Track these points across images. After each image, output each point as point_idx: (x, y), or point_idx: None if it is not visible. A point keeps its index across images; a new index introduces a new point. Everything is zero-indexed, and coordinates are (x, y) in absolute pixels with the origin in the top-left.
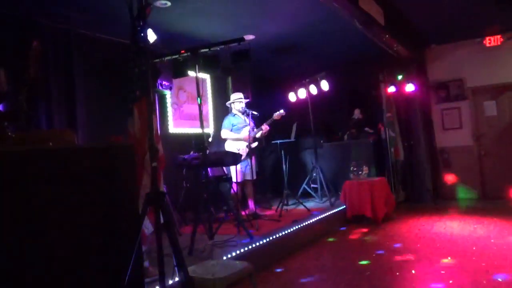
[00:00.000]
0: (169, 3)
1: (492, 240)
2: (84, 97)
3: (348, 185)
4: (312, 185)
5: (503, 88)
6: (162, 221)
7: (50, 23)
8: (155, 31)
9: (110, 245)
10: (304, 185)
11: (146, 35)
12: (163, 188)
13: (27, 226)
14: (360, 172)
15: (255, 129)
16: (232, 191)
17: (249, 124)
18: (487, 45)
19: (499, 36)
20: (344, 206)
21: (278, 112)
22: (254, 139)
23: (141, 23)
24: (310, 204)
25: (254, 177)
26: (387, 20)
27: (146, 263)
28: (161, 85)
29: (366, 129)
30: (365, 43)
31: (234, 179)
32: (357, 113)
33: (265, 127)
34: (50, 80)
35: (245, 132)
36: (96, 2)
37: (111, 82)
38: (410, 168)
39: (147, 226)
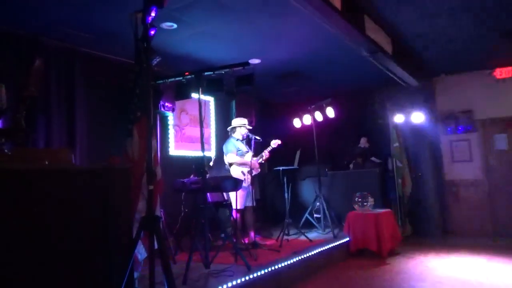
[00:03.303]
0: (175, 25)
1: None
2: (84, 116)
3: (352, 217)
4: (315, 215)
5: None
6: (156, 247)
7: (54, 41)
8: (159, 52)
9: (101, 270)
10: (306, 215)
11: (150, 57)
12: (159, 212)
13: (14, 247)
14: (365, 203)
15: (253, 158)
16: (231, 218)
17: (250, 150)
18: (498, 76)
19: (510, 68)
20: (348, 239)
21: (275, 141)
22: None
23: (145, 45)
24: (313, 234)
25: (254, 204)
26: (395, 49)
27: None
28: (164, 106)
29: (373, 158)
30: (372, 71)
31: (234, 206)
32: (363, 142)
33: (266, 154)
34: (51, 98)
35: (248, 158)
36: (101, 22)
37: (112, 102)
38: (418, 201)
39: (140, 252)
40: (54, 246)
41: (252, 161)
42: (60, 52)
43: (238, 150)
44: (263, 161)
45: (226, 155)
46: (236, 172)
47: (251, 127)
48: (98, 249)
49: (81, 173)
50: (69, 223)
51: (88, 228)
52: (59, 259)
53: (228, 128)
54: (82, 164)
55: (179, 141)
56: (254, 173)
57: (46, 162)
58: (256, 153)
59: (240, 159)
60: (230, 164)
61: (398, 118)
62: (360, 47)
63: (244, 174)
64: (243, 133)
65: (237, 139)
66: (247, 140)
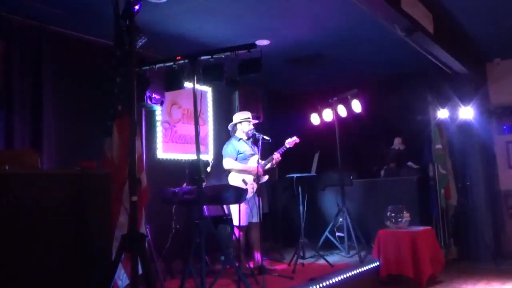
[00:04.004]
0: None
1: None
2: (54, 110)
3: (383, 236)
4: (337, 234)
5: None
6: (140, 271)
7: (18, 18)
8: (145, 31)
9: None
10: (326, 233)
11: (133, 37)
12: (144, 229)
13: None
14: (399, 219)
15: (260, 161)
16: (233, 236)
17: (257, 152)
18: None
19: None
20: (378, 263)
21: (291, 139)
22: (264, 172)
23: (128, 22)
24: (334, 258)
25: (261, 219)
26: (437, 27)
27: None
28: (150, 98)
29: (409, 163)
30: (409, 55)
31: (236, 222)
32: (397, 143)
33: (276, 156)
34: (13, 87)
35: (253, 162)
36: None
37: (88, 93)
38: (465, 216)
39: (121, 277)
40: (13, 269)
41: (254, 167)
42: (24, 32)
43: (239, 153)
44: (273, 166)
45: (223, 160)
46: (235, 180)
47: (257, 121)
48: (69, 273)
49: (50, 179)
50: (33, 241)
51: (57, 248)
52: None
53: (229, 126)
54: (50, 168)
55: (170, 141)
56: (261, 180)
57: (6, 167)
58: (264, 157)
59: (239, 165)
60: (229, 171)
61: (441, 114)
62: (393, 25)
63: (245, 183)
64: (246, 130)
65: (239, 139)
66: (255, 140)
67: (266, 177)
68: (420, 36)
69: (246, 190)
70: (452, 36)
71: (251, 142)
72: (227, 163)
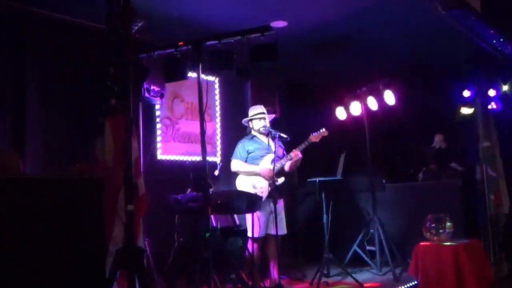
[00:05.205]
0: None
1: None
2: (38, 106)
3: (422, 250)
4: (367, 247)
5: None
6: None
7: None
8: (142, 14)
9: None
10: (354, 247)
11: (129, 20)
12: (142, 242)
13: None
14: (441, 231)
15: (282, 159)
16: (246, 250)
17: (274, 151)
18: None
19: None
20: (416, 282)
21: (317, 132)
22: (280, 173)
23: (123, 3)
24: (364, 276)
25: (283, 232)
26: (485, 3)
27: None
28: (148, 91)
29: (453, 164)
30: (452, 38)
31: (249, 233)
32: (439, 141)
33: (295, 154)
34: None
35: (265, 163)
36: None
37: (77, 86)
38: None
39: None
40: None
41: (264, 169)
42: (4, 15)
43: (249, 152)
44: (294, 165)
45: (231, 161)
46: (243, 184)
47: (273, 116)
48: None
49: (35, 186)
50: (15, 259)
51: (44, 266)
52: None
53: (244, 121)
54: (34, 173)
55: (171, 140)
56: (278, 183)
57: None
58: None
59: (247, 167)
60: (236, 174)
61: (490, 105)
62: (433, 2)
63: (254, 187)
64: (258, 127)
65: (253, 137)
66: (273, 137)
67: (282, 179)
68: (465, 15)
69: (261, 197)
70: (502, 14)
71: (270, 138)
72: (235, 165)
